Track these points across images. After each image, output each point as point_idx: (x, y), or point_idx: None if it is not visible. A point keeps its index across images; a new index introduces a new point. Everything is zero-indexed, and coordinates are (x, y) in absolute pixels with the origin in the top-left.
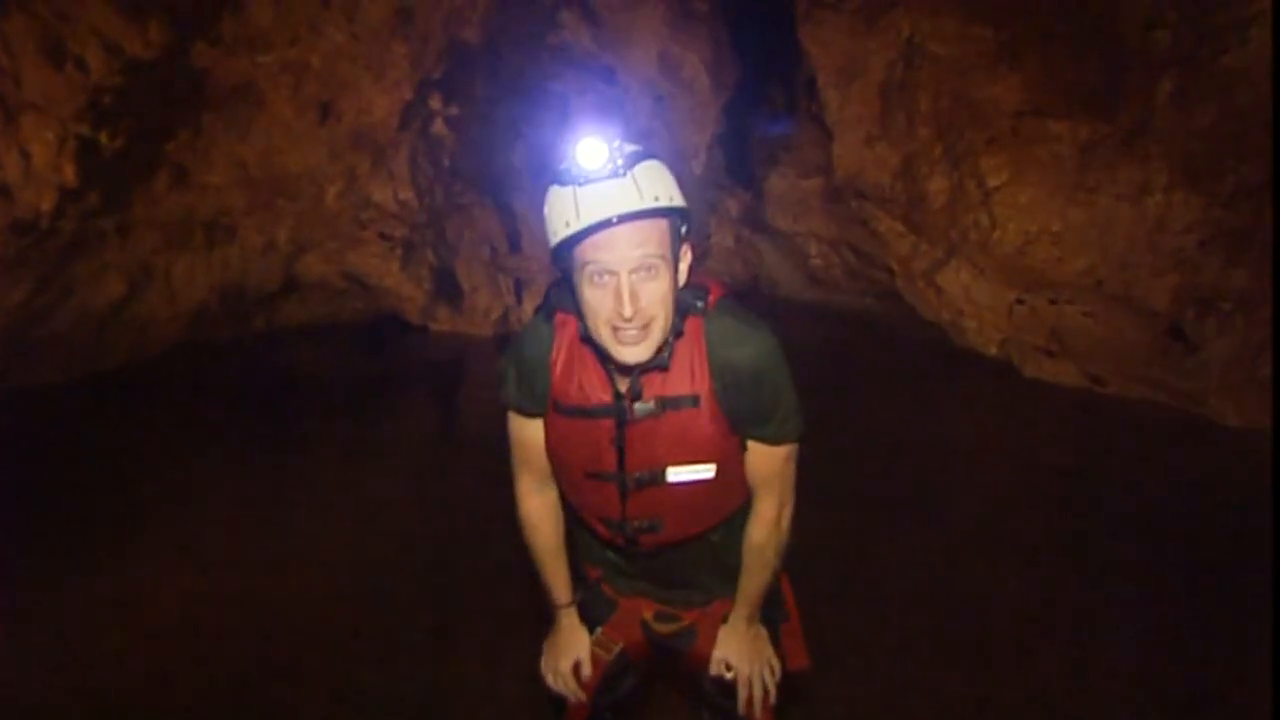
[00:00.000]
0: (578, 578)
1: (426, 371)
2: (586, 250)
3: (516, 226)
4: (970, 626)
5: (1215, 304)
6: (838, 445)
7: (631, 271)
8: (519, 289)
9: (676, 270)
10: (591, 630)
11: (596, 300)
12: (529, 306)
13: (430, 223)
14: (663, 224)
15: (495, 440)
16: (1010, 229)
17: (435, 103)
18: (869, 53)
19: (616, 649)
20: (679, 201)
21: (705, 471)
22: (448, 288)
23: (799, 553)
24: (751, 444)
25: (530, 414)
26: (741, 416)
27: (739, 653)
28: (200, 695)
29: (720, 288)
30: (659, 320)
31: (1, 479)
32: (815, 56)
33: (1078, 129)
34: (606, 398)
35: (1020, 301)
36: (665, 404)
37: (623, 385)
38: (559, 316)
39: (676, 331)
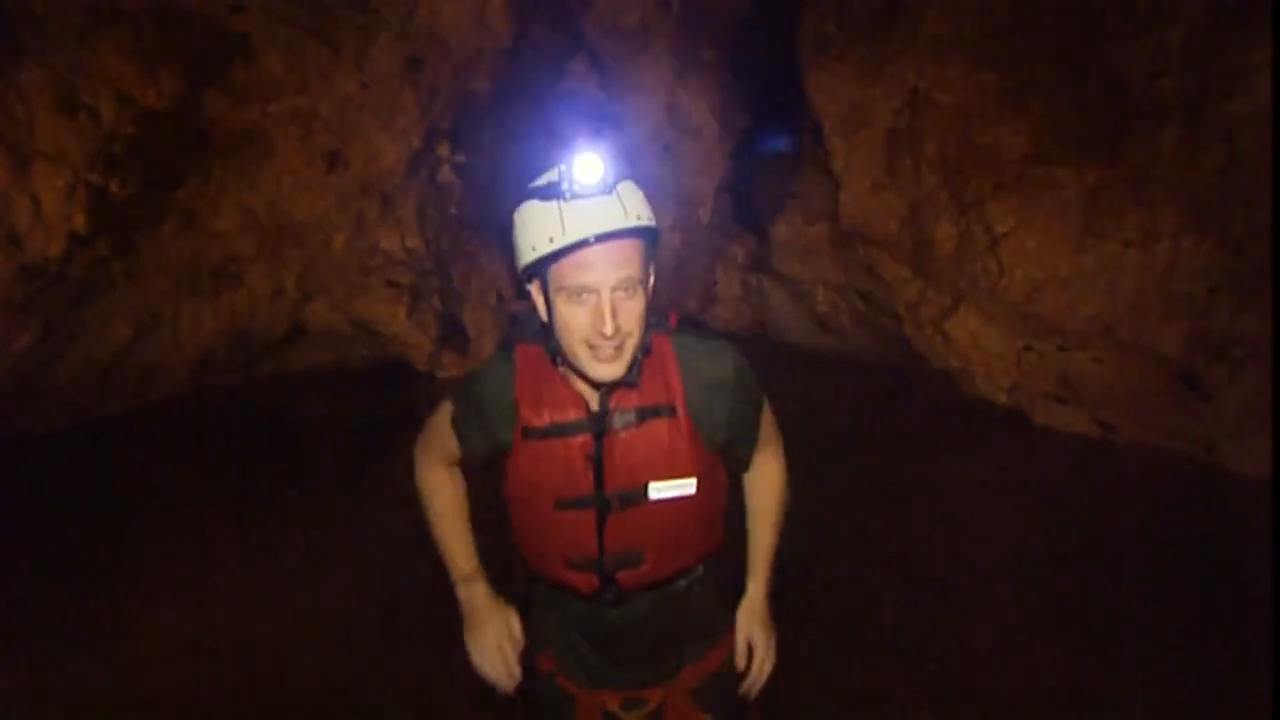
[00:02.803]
0: (525, 669)
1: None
2: (567, 269)
3: None
4: (980, 680)
5: (1227, 350)
6: (847, 499)
7: (613, 290)
8: None
9: (648, 292)
10: None
11: (575, 318)
12: None
13: (437, 269)
14: (640, 244)
15: (497, 490)
16: (1018, 275)
17: (443, 150)
18: (874, 100)
19: None
20: (653, 221)
21: (687, 486)
22: (454, 334)
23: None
24: (756, 466)
25: (467, 444)
26: (730, 434)
27: (763, 637)
28: None
29: (675, 312)
30: (634, 338)
31: (4, 525)
32: (821, 104)
33: (1084, 175)
34: (581, 414)
35: (1029, 348)
36: (643, 413)
37: (594, 402)
38: (518, 349)
39: (645, 349)
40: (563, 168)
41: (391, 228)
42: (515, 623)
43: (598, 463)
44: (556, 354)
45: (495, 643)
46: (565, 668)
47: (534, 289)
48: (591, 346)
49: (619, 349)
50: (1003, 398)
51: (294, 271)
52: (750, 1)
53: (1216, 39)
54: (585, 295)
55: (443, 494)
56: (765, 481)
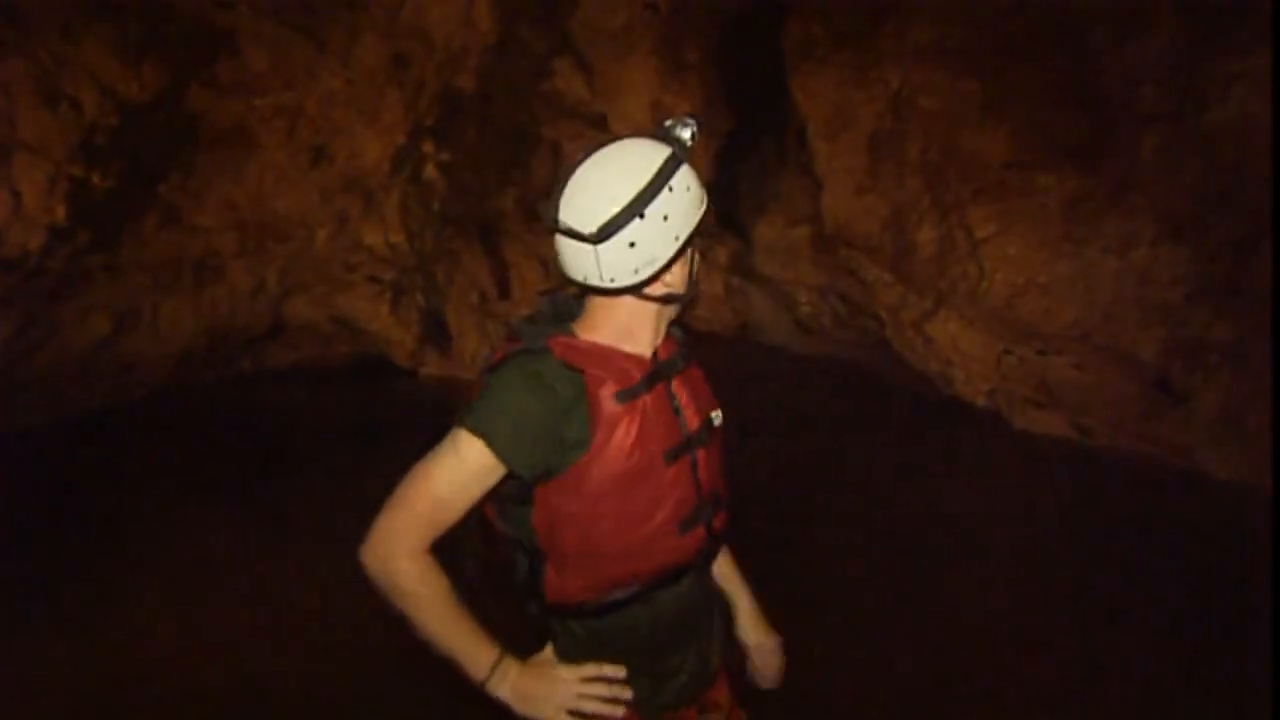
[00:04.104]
0: None
1: (414, 416)
2: (706, 219)
3: (506, 272)
4: (961, 681)
5: (1202, 356)
6: (826, 500)
7: None
8: None
9: None
10: None
11: (695, 264)
12: None
13: (420, 267)
14: None
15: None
16: (998, 280)
17: (427, 148)
18: (858, 104)
19: None
20: None
21: (720, 416)
22: (436, 332)
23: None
24: None
25: (529, 463)
26: None
27: (774, 641)
28: None
29: None
30: None
31: None
32: (804, 107)
33: (1065, 182)
34: (646, 368)
35: (1008, 352)
36: (684, 354)
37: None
38: (552, 344)
39: None
40: (685, 133)
41: (375, 224)
42: (558, 661)
43: (675, 406)
44: (679, 307)
45: (575, 683)
46: (640, 708)
47: (681, 257)
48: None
49: None
50: (981, 400)
51: (276, 267)
52: (736, 4)
53: (1195, 49)
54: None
55: (435, 585)
56: None
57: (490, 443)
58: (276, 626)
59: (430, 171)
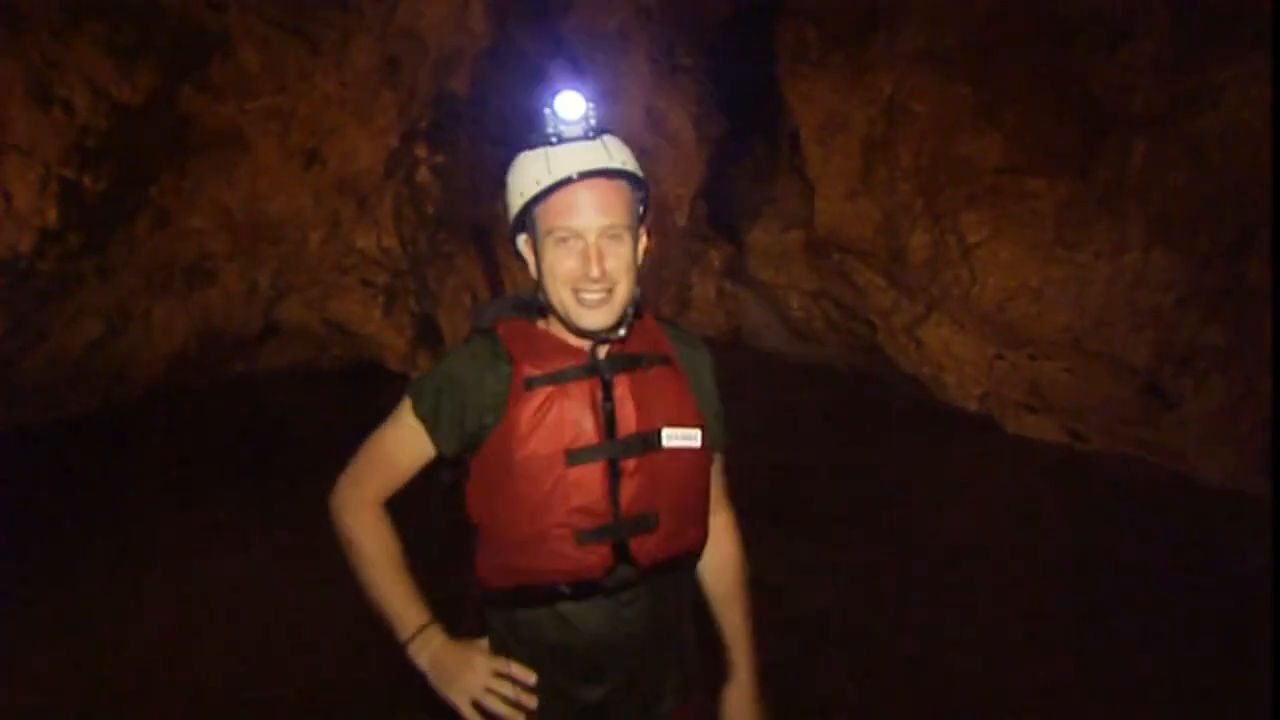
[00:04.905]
0: None
1: None
2: (554, 211)
3: (499, 275)
4: (962, 687)
5: (1192, 361)
6: (818, 505)
7: (599, 234)
8: None
9: (637, 244)
10: None
11: (563, 261)
12: None
13: (413, 270)
14: (627, 192)
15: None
16: (990, 284)
17: (421, 151)
18: (851, 109)
19: None
20: (640, 173)
21: (693, 438)
22: (429, 335)
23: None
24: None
25: (443, 434)
26: (710, 410)
27: None
28: None
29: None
30: (623, 287)
31: None
32: (798, 111)
33: (1056, 187)
34: (583, 361)
35: (1000, 357)
36: (643, 360)
37: (590, 352)
38: (499, 325)
39: (636, 309)
40: (546, 111)
41: (368, 227)
42: (488, 652)
43: (608, 408)
44: (546, 306)
45: (487, 675)
46: None
47: (524, 244)
48: (578, 292)
49: (608, 294)
50: (974, 405)
51: (269, 270)
52: (729, 8)
53: (1185, 56)
54: (572, 239)
55: (379, 538)
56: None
57: (415, 407)
58: (262, 627)
59: (423, 174)
